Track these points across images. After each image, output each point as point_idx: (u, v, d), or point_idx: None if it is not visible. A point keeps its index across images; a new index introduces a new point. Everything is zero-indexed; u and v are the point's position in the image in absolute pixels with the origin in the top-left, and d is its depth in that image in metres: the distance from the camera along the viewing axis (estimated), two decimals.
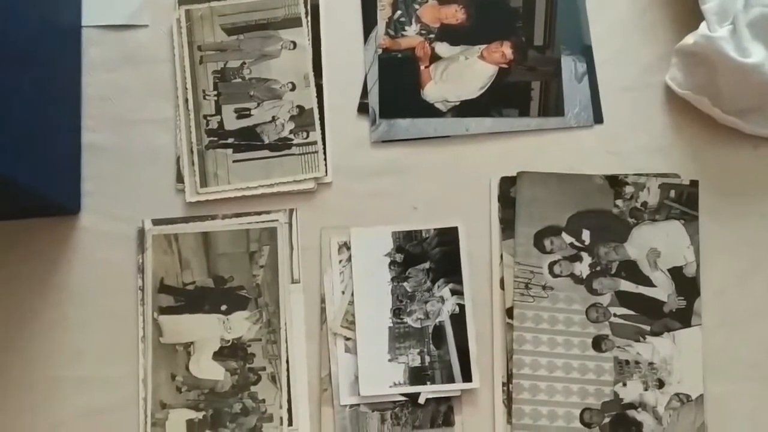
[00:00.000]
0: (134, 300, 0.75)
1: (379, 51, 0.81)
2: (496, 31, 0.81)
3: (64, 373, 0.74)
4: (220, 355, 0.73)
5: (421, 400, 0.72)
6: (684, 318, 0.73)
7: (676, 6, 0.81)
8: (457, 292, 0.74)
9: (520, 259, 0.75)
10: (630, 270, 0.74)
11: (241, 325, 0.74)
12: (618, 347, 0.73)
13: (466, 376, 0.72)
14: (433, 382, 0.72)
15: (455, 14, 0.82)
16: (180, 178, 0.78)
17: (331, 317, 0.74)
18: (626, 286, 0.74)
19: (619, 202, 0.76)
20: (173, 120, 0.79)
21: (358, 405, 0.72)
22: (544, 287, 0.74)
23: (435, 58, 0.81)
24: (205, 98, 0.79)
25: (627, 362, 0.73)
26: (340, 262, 0.76)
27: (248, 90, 0.79)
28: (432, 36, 0.81)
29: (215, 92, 0.79)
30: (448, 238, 0.76)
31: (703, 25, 0.75)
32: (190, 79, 0.79)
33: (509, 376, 0.72)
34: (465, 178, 0.78)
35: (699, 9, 0.75)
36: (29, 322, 0.75)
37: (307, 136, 0.78)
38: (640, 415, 0.72)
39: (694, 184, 0.76)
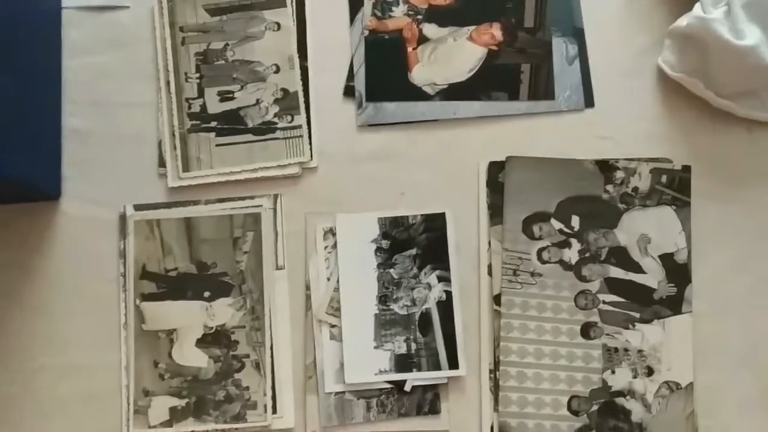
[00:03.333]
0: (116, 286, 0.74)
1: (366, 32, 0.79)
2: (485, 12, 0.79)
3: (45, 360, 0.73)
4: (203, 342, 0.72)
5: (407, 388, 0.71)
6: (674, 305, 0.72)
7: None
8: (444, 279, 0.73)
9: (509, 246, 0.74)
10: (620, 256, 0.73)
11: (224, 312, 0.73)
12: (607, 334, 0.72)
13: (453, 364, 0.71)
14: (419, 370, 0.71)
15: None
16: (162, 163, 0.76)
17: (316, 304, 0.73)
18: (616, 272, 0.73)
19: (609, 187, 0.75)
20: (155, 103, 0.78)
21: (344, 392, 0.71)
22: (532, 274, 0.73)
23: (423, 39, 0.79)
24: (187, 81, 0.77)
25: (616, 350, 0.72)
26: (326, 248, 0.75)
27: (231, 72, 0.78)
28: (420, 17, 0.79)
29: (197, 75, 0.78)
30: (436, 224, 0.75)
31: (697, 7, 0.74)
32: (172, 62, 0.78)
33: (496, 364, 0.72)
34: (453, 163, 0.76)
35: None
36: (10, 308, 0.74)
37: (292, 120, 0.77)
38: (629, 403, 0.71)
39: (687, 169, 0.75)
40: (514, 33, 0.79)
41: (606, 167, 0.75)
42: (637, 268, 0.73)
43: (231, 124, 0.76)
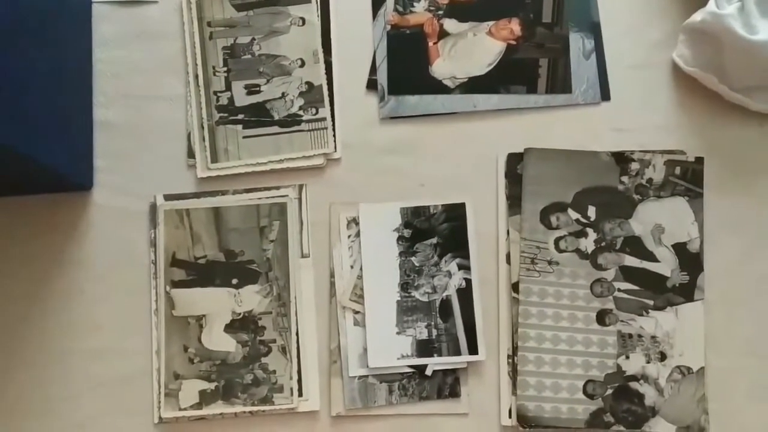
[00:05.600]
0: (147, 274, 0.76)
1: (388, 27, 0.81)
2: (504, 7, 0.81)
3: (79, 344, 0.75)
4: (231, 328, 0.75)
5: (428, 372, 0.73)
6: (687, 293, 0.75)
7: None
8: (464, 267, 0.76)
9: (527, 235, 0.76)
10: (634, 245, 0.76)
11: (251, 298, 0.75)
12: (621, 321, 0.74)
13: (472, 349, 0.74)
14: (439, 355, 0.74)
15: None
16: (191, 154, 0.79)
17: (340, 291, 0.75)
18: (630, 261, 0.75)
19: (624, 178, 0.77)
20: (184, 96, 0.80)
21: (367, 376, 0.73)
22: (549, 262, 0.75)
23: (443, 34, 0.81)
24: (215, 74, 0.80)
25: (630, 336, 0.74)
26: (349, 237, 0.77)
27: (258, 66, 0.80)
28: (440, 12, 0.81)
29: (225, 68, 0.80)
30: (456, 213, 0.77)
31: (711, 2, 0.75)
32: (200, 56, 0.80)
33: (514, 349, 0.74)
34: (472, 155, 0.78)
35: None
36: (45, 295, 0.76)
37: (317, 113, 0.79)
38: (642, 387, 0.73)
39: (700, 161, 0.77)
40: (532, 28, 0.81)
41: (621, 159, 0.77)
42: (651, 257, 0.75)
43: (258, 116, 0.79)
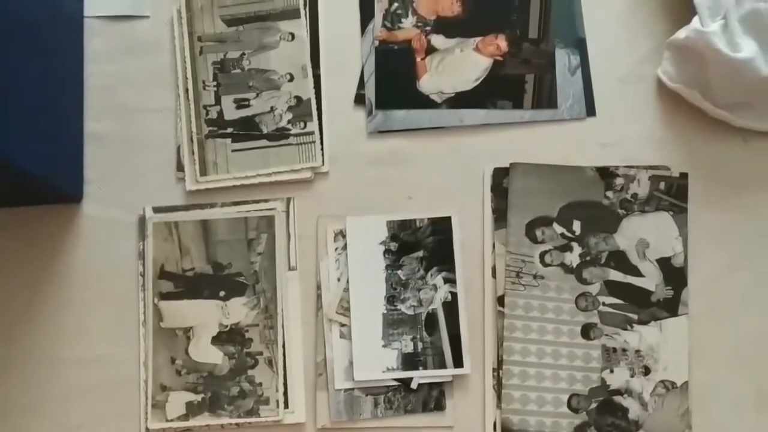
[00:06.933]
0: (135, 285, 0.77)
1: (376, 43, 0.82)
2: (491, 23, 0.82)
3: (67, 354, 0.76)
4: (218, 340, 0.75)
5: (414, 385, 0.74)
6: (671, 307, 0.75)
7: (668, 0, 0.82)
8: (450, 281, 0.76)
9: (512, 249, 0.76)
10: (619, 260, 0.76)
11: (239, 310, 0.76)
12: (606, 335, 0.75)
13: (458, 362, 0.74)
14: (425, 368, 0.74)
15: (451, 6, 0.83)
16: (180, 167, 0.79)
17: (327, 304, 0.76)
18: (615, 275, 0.76)
19: (609, 193, 0.77)
20: (174, 110, 0.81)
21: (352, 389, 0.74)
22: (534, 276, 0.76)
23: (431, 50, 0.82)
24: (205, 88, 0.80)
25: (614, 350, 0.74)
26: (336, 250, 0.77)
27: (247, 81, 0.80)
28: (428, 28, 0.82)
29: (215, 83, 0.80)
30: (442, 227, 0.77)
31: (695, 20, 0.76)
32: (191, 70, 0.81)
33: (499, 363, 0.74)
34: (459, 169, 0.79)
35: (692, 3, 0.76)
36: (34, 305, 0.77)
37: (305, 126, 0.80)
38: (626, 401, 0.73)
39: (684, 176, 0.78)
40: (518, 44, 0.82)
41: (606, 174, 0.78)
42: (636, 272, 0.76)
43: (247, 130, 0.79)
